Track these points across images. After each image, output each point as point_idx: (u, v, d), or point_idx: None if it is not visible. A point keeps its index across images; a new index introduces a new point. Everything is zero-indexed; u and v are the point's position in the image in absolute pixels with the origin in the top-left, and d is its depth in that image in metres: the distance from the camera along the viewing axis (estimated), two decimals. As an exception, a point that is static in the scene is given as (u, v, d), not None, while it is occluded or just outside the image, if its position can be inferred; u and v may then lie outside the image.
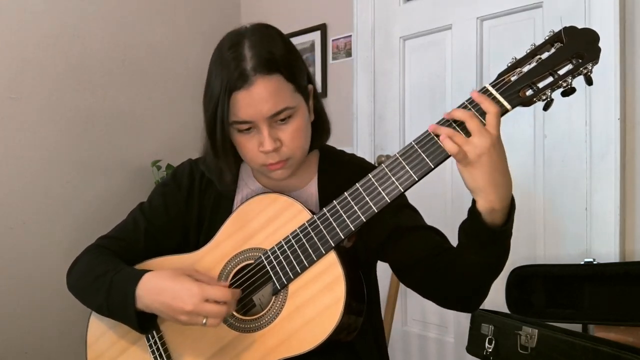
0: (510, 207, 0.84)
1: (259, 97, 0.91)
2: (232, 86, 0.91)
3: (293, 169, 1.01)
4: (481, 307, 1.57)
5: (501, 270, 0.90)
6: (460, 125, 0.82)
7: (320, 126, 1.07)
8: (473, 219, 0.84)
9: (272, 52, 0.93)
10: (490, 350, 1.45)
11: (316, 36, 2.49)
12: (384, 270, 1.36)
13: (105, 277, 0.99)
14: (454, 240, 0.94)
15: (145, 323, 0.98)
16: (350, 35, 2.37)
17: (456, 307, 0.98)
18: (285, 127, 0.95)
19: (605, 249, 1.63)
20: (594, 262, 1.55)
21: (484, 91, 0.83)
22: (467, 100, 0.84)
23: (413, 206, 1.07)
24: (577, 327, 1.49)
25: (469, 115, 0.80)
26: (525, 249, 1.82)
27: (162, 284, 0.93)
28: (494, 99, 0.82)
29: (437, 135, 0.84)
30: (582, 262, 1.57)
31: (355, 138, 2.34)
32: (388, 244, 1.01)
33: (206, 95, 0.97)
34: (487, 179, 0.79)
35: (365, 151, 2.29)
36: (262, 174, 1.04)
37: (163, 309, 0.92)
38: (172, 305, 0.90)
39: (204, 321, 0.89)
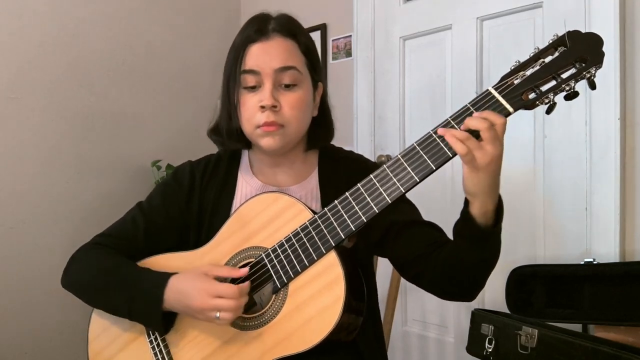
0: (499, 206, 0.86)
1: (272, 49, 1.00)
2: (251, 39, 1.01)
3: (284, 143, 1.02)
4: (481, 307, 1.58)
5: (496, 264, 0.92)
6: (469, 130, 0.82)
7: (323, 125, 1.10)
8: (466, 221, 0.86)
9: (295, 25, 1.05)
10: (490, 350, 1.45)
11: (316, 36, 2.48)
12: (384, 270, 1.37)
13: (120, 276, 1.02)
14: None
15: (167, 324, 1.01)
16: (350, 35, 2.37)
17: (456, 299, 1.00)
18: (288, 94, 1.00)
19: (605, 249, 1.63)
20: (594, 262, 1.55)
21: (487, 94, 0.84)
22: (469, 103, 0.85)
23: (410, 201, 1.07)
24: (577, 327, 1.49)
25: (486, 126, 0.80)
26: (525, 249, 1.82)
27: (182, 286, 0.96)
28: (497, 101, 0.83)
29: (441, 138, 0.84)
30: (582, 262, 1.57)
31: (355, 138, 2.34)
32: (386, 240, 1.03)
33: (226, 60, 1.05)
34: (489, 183, 0.82)
35: (365, 151, 2.29)
36: (255, 142, 1.05)
37: (185, 310, 0.96)
38: (189, 305, 0.94)
39: (217, 315, 0.91)
